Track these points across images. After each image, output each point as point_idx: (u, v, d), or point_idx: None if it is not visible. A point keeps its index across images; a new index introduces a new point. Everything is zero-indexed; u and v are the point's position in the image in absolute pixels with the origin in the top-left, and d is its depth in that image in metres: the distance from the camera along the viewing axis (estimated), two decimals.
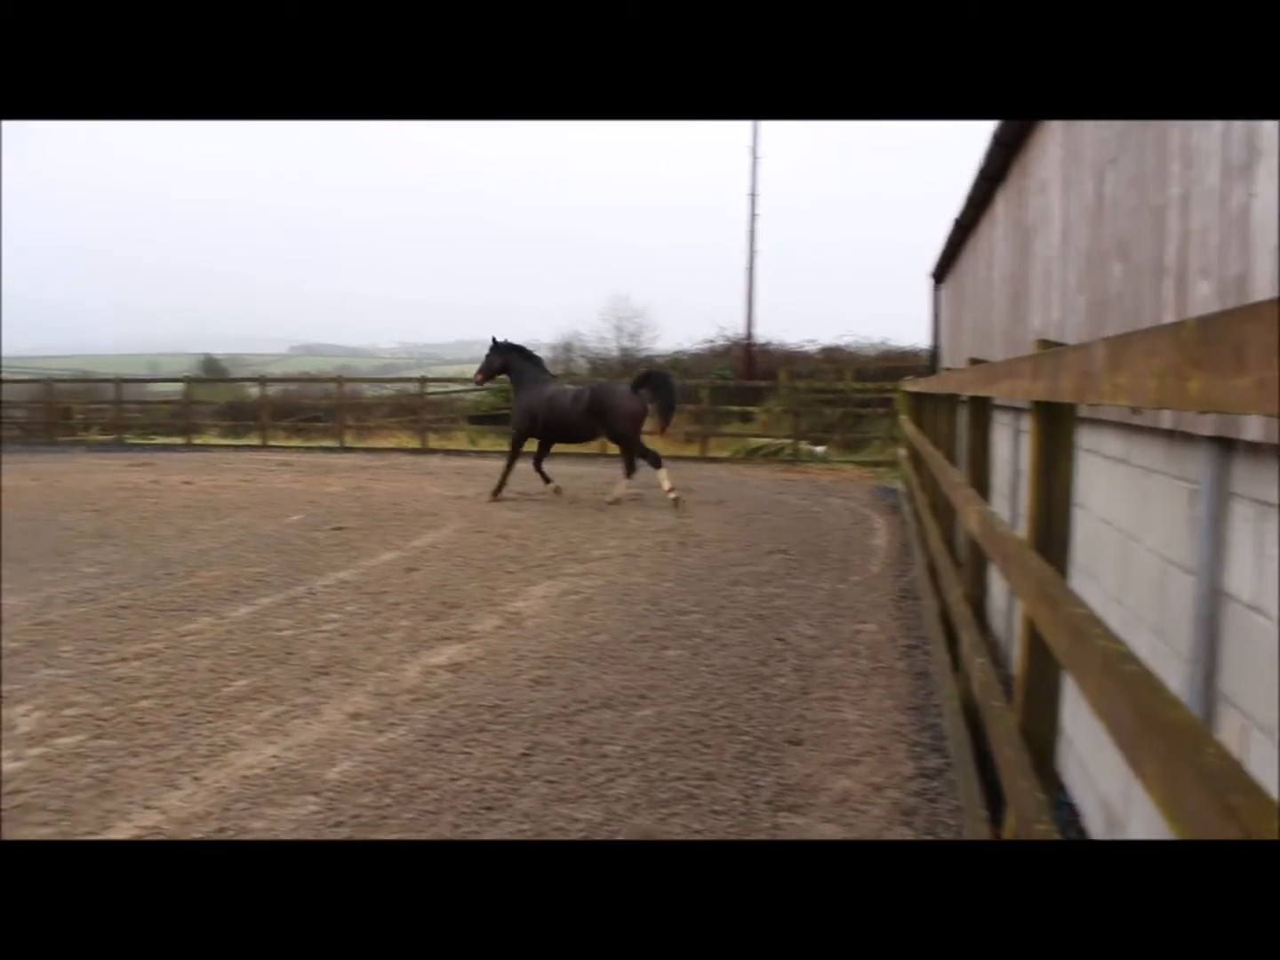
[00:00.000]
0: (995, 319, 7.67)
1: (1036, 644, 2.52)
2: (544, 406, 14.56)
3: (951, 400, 7.06)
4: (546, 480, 14.82)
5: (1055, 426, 2.51)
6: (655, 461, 14.18)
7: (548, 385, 14.99)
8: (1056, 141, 5.07)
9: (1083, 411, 3.75)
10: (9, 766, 4.70)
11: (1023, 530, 3.32)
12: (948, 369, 11.10)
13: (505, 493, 14.48)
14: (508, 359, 15.22)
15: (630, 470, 14.31)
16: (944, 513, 6.74)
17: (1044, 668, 2.57)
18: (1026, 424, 5.52)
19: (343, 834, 4.03)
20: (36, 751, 4.88)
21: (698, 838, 4.01)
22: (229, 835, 4.03)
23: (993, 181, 7.64)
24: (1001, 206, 7.43)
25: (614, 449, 15.83)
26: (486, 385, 17.96)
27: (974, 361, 5.40)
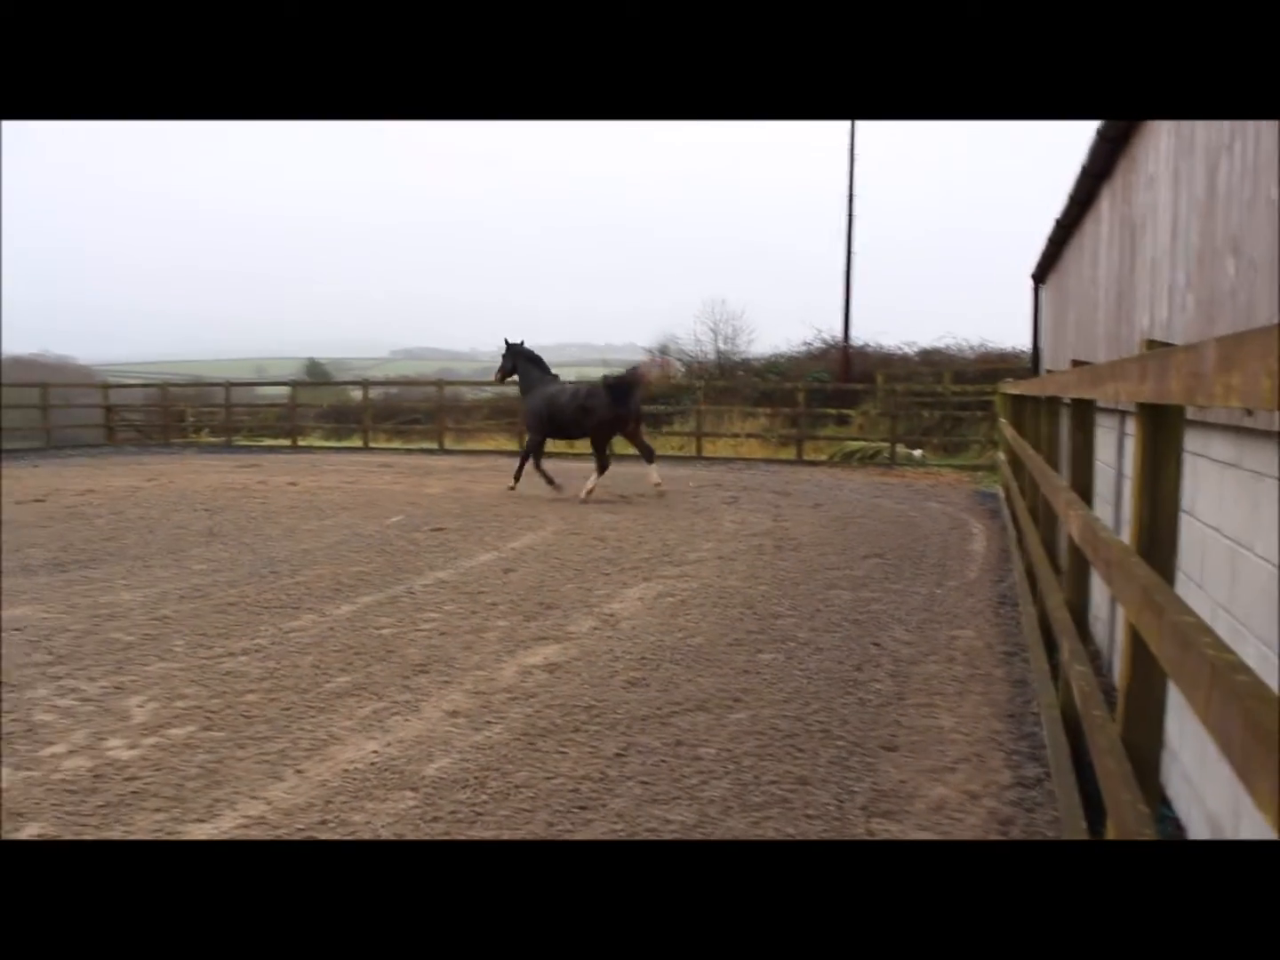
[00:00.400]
0: (1099, 319, 7.50)
1: (1140, 652, 2.46)
2: (546, 406, 15.33)
3: (1054, 403, 6.92)
4: (550, 481, 15.44)
5: (1162, 429, 2.45)
6: (648, 457, 15.50)
7: (550, 385, 15.64)
8: (1167, 132, 4.94)
9: (1190, 414, 3.65)
10: (125, 754, 4.87)
11: (1126, 536, 3.25)
12: (1049, 371, 10.88)
13: (602, 495, 14.61)
14: (516, 360, 16.08)
15: (602, 468, 15.01)
16: (1044, 518, 6.61)
17: (1148, 677, 2.51)
18: (1131, 427, 5.40)
19: (439, 830, 4.09)
20: (150, 741, 5.05)
21: (697, 838, 4.01)
22: (327, 825, 4.12)
23: (1097, 178, 7.47)
24: (1106, 203, 7.27)
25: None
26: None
27: (1077, 363, 5.29)
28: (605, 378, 15.47)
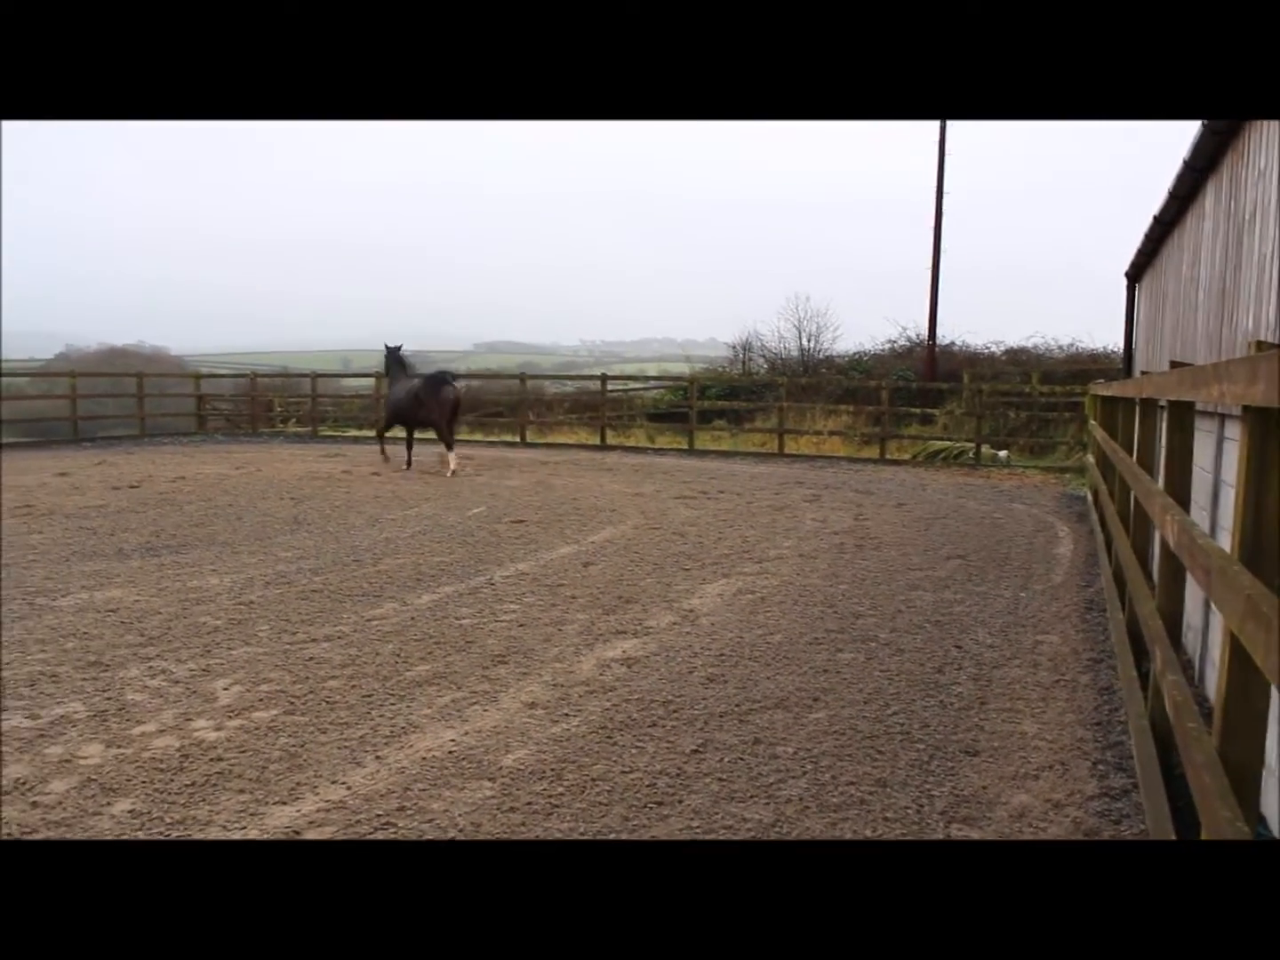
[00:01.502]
0: (1198, 319, 7.30)
1: (1241, 664, 2.38)
2: (402, 399, 17.99)
3: (1149, 405, 6.75)
4: (407, 461, 18.22)
5: (1271, 434, 2.37)
6: (448, 446, 17.63)
7: (410, 382, 18.07)
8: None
9: None
10: (211, 735, 4.97)
11: (1224, 543, 3.15)
12: (1144, 372, 10.62)
13: (683, 490, 14.64)
14: (388, 361, 19.26)
15: (450, 447, 17.54)
16: (1136, 522, 6.45)
17: (1249, 689, 2.43)
18: (1232, 431, 5.24)
19: (516, 820, 4.11)
20: (235, 723, 5.15)
21: (698, 838, 3.96)
22: (405, 812, 4.16)
23: (1201, 173, 7.26)
24: (1210, 199, 7.06)
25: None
26: (665, 384, 20.12)
27: (1176, 364, 5.15)
28: (425, 375, 18.33)
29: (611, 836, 4.00)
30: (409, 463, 18.10)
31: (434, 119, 2.32)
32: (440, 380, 17.82)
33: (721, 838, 4.00)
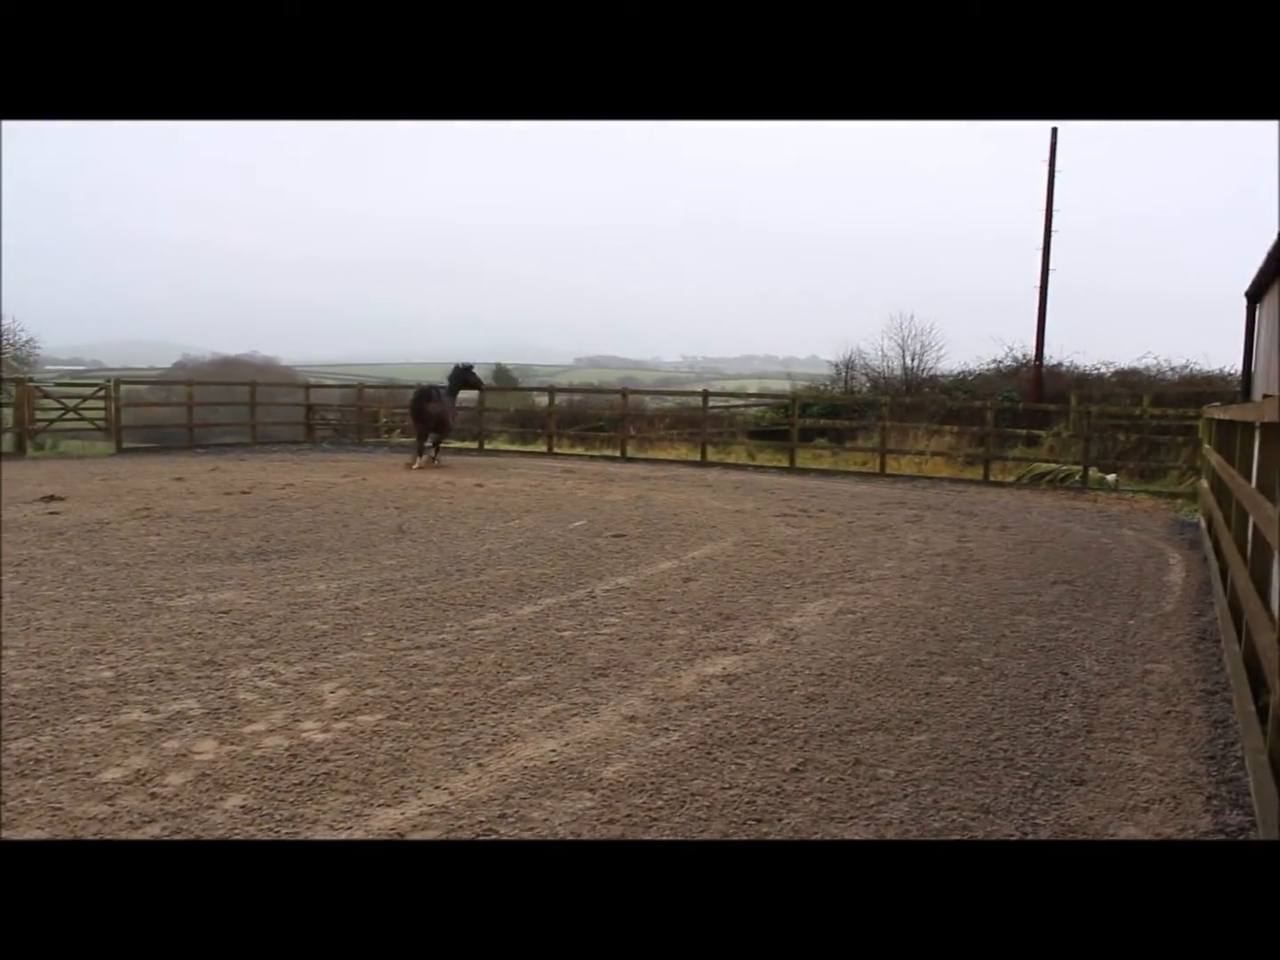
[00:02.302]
0: None
1: None
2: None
3: (1272, 429, 6.55)
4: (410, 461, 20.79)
5: None
6: (435, 447, 20.96)
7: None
8: None
9: None
10: (319, 737, 5.10)
11: None
12: (1266, 395, 10.31)
13: (782, 508, 14.60)
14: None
15: (420, 452, 20.61)
16: (1255, 550, 6.26)
17: None
18: None
19: (615, 831, 4.14)
20: (341, 725, 5.27)
21: (699, 838, 3.91)
22: (506, 819, 4.21)
23: None
24: None
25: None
26: (766, 401, 21.67)
27: None
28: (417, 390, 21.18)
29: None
30: (411, 463, 20.46)
31: (434, 119, 2.36)
32: (424, 397, 20.45)
33: (719, 839, 3.97)
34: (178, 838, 3.97)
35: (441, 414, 20.48)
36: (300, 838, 3.99)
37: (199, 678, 5.97)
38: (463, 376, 21.66)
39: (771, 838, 4.12)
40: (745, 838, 4.12)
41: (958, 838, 4.09)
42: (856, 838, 4.02)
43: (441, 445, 21.56)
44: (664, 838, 4.08)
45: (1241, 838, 4.24)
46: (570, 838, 4.06)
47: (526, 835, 4.08)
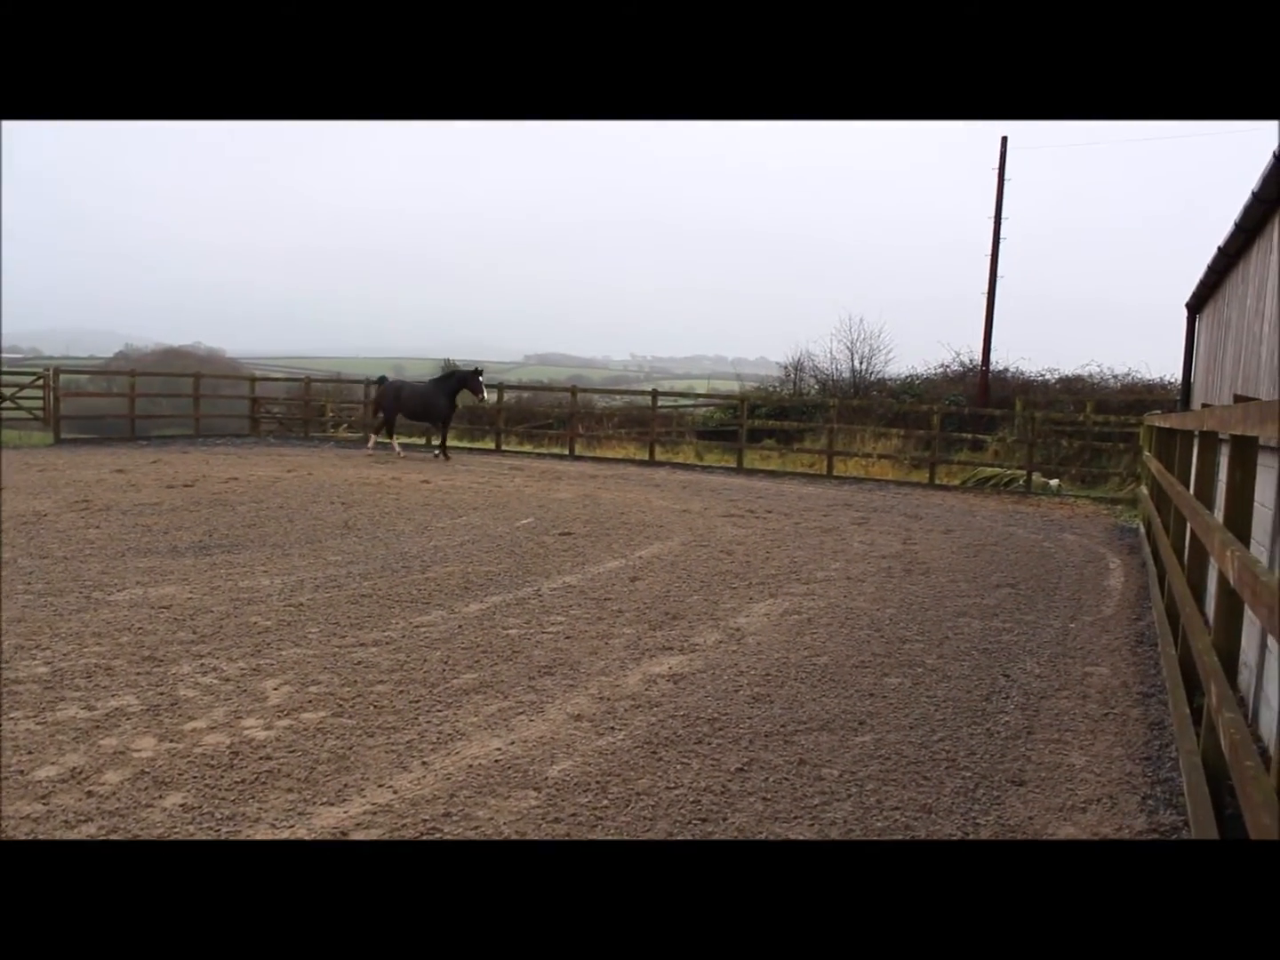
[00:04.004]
0: (1263, 354, 7.21)
1: None
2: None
3: (1209, 438, 6.67)
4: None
5: None
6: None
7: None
8: None
9: None
10: (261, 734, 5.04)
11: None
12: (1204, 405, 10.50)
13: (731, 509, 14.66)
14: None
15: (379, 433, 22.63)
16: (1191, 556, 6.37)
17: None
18: None
19: (560, 830, 4.14)
20: (285, 723, 5.22)
21: (699, 838, 3.93)
22: (451, 818, 4.19)
23: (1270, 205, 7.18)
24: (1279, 232, 6.98)
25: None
26: (715, 401, 22.51)
27: (1240, 398, 5.09)
28: None
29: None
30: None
31: (434, 119, 2.34)
32: (427, 392, 21.59)
33: (718, 839, 3.99)
34: (174, 838, 3.91)
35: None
36: (253, 838, 3.95)
37: (138, 674, 5.88)
38: (464, 380, 21.61)
39: (770, 839, 4.13)
40: (741, 839, 4.13)
41: (959, 838, 4.11)
42: (856, 838, 4.02)
43: (384, 442, 22.36)
44: (667, 839, 4.09)
45: (1175, 838, 4.32)
46: (563, 838, 4.04)
47: (472, 835, 4.07)
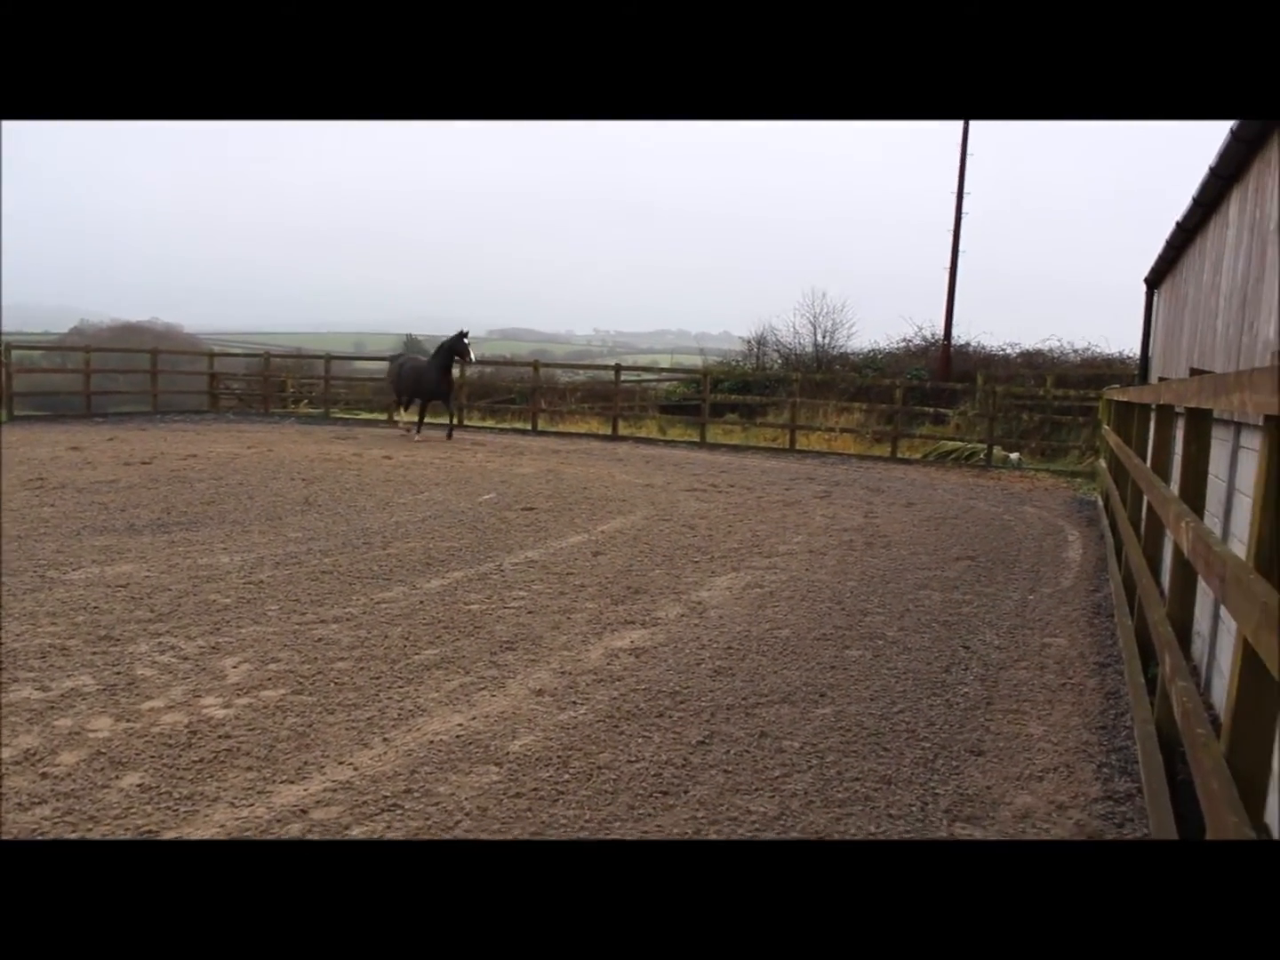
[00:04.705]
0: (1218, 327, 7.28)
1: (1254, 672, 2.39)
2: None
3: (1166, 411, 6.74)
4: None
5: None
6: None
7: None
8: None
9: None
10: (220, 713, 5.00)
11: (1239, 551, 3.14)
12: (1161, 378, 10.60)
13: (694, 484, 14.69)
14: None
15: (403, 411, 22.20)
16: (1148, 528, 6.44)
17: (1261, 697, 2.43)
18: (1247, 439, 5.23)
19: (521, 805, 4.13)
20: (244, 701, 5.18)
21: (700, 838, 3.96)
22: (412, 794, 4.18)
23: (1227, 180, 7.22)
24: (1235, 207, 7.03)
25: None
26: (678, 376, 22.22)
27: (1195, 371, 5.14)
28: None
29: (618, 831, 4.02)
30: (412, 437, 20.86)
31: (434, 119, 2.32)
32: (427, 368, 20.70)
33: (723, 837, 4.01)
34: (173, 839, 3.88)
35: (439, 384, 20.35)
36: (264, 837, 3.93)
37: (94, 653, 5.82)
38: (453, 347, 20.55)
39: (770, 839, 4.15)
40: (741, 839, 4.14)
41: (961, 838, 4.13)
42: (857, 838, 4.02)
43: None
44: (672, 838, 4.09)
45: (1128, 803, 4.38)
46: (564, 839, 4.04)
47: (433, 810, 4.06)
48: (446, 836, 3.86)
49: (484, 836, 3.87)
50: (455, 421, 21.48)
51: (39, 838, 3.76)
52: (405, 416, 21.98)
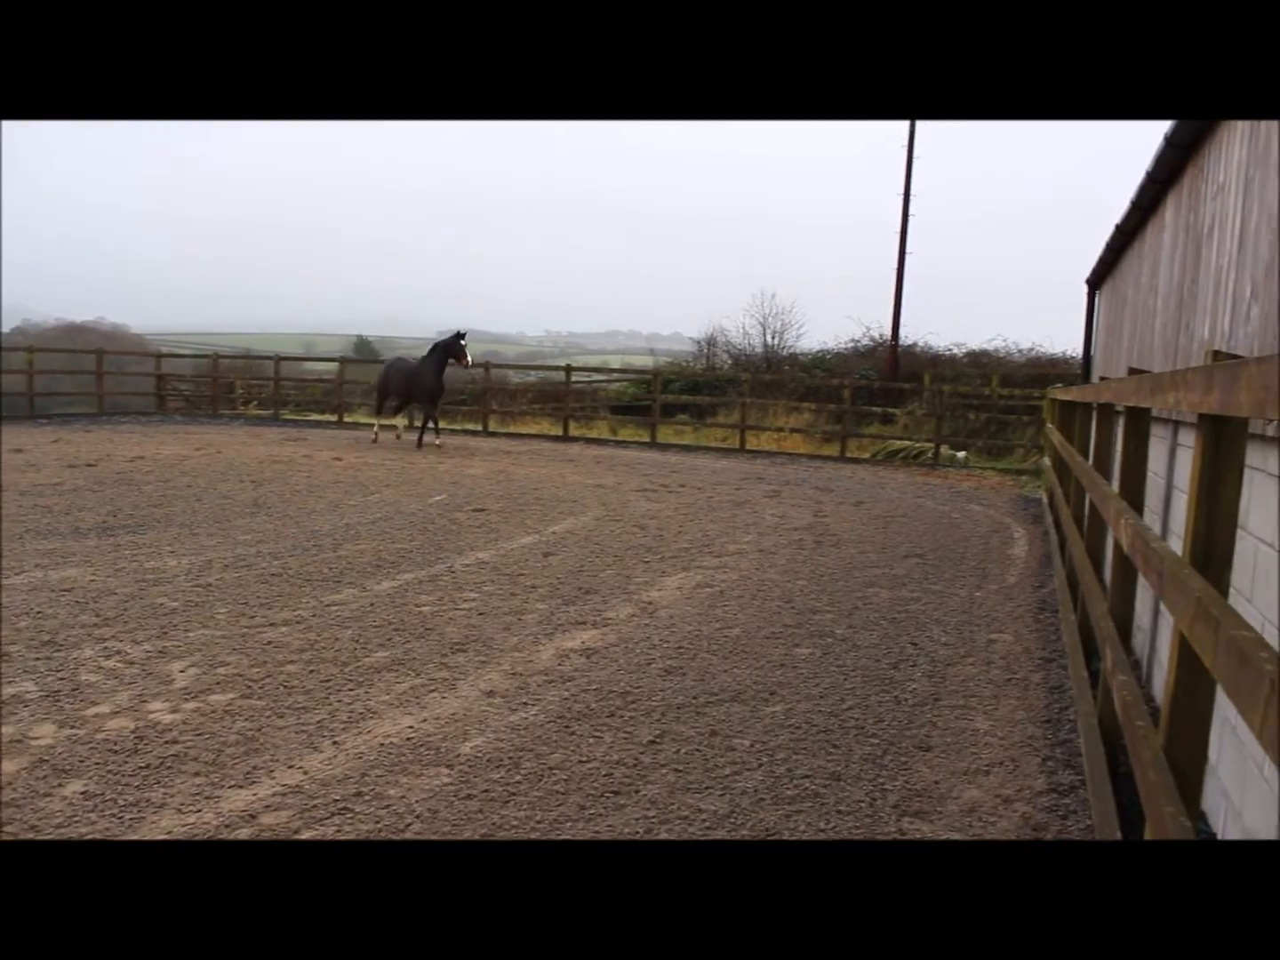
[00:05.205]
0: (1156, 328, 7.41)
1: (1190, 665, 2.44)
2: None
3: (1106, 410, 6.85)
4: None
5: (1225, 442, 2.42)
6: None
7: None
8: (1239, 141, 4.87)
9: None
10: (167, 718, 4.95)
11: (1178, 546, 3.21)
12: (1102, 378, 10.77)
13: (644, 484, 14.70)
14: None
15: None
16: (1090, 525, 6.55)
17: (1196, 690, 2.48)
18: (1184, 438, 5.34)
19: (473, 807, 4.13)
20: (191, 706, 5.13)
21: (700, 838, 3.99)
22: (362, 797, 4.16)
23: (1163, 185, 7.37)
24: (1171, 210, 7.17)
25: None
26: (629, 376, 21.56)
27: (1134, 371, 5.24)
28: None
29: (569, 832, 4.03)
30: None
31: (434, 119, 2.32)
32: (414, 370, 19.43)
33: (679, 838, 4.03)
34: (169, 839, 3.82)
35: (433, 386, 19.16)
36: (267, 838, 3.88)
37: (37, 659, 5.73)
38: (448, 349, 19.25)
39: (771, 839, 4.16)
40: (738, 839, 4.15)
41: (960, 839, 4.16)
42: (850, 839, 4.03)
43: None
44: (672, 839, 4.10)
45: (1071, 795, 4.46)
46: (563, 839, 4.03)
47: (383, 813, 4.05)
48: (397, 839, 3.85)
49: (434, 838, 3.87)
50: (435, 427, 19.83)
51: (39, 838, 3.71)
52: (383, 421, 20.60)
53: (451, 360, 19.26)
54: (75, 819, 3.89)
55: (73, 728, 4.79)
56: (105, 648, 5.99)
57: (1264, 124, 4.31)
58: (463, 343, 19.22)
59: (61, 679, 5.42)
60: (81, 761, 4.42)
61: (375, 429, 20.58)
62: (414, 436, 19.80)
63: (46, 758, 4.44)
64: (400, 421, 20.56)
